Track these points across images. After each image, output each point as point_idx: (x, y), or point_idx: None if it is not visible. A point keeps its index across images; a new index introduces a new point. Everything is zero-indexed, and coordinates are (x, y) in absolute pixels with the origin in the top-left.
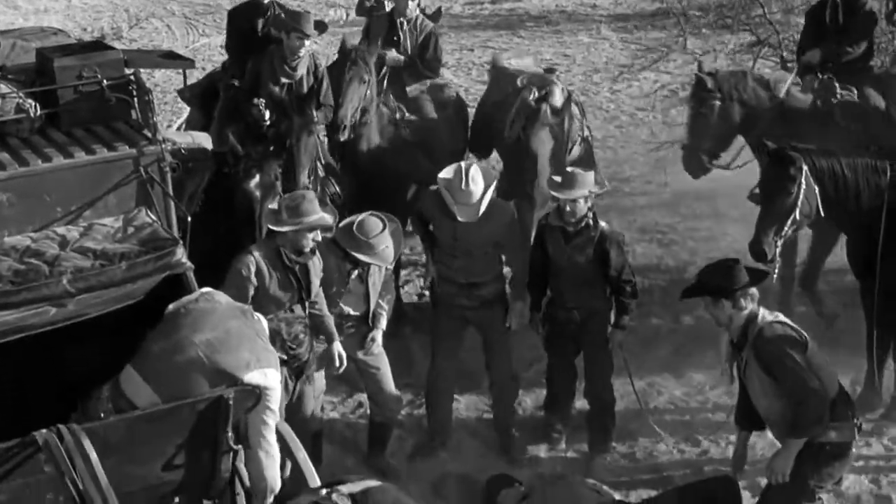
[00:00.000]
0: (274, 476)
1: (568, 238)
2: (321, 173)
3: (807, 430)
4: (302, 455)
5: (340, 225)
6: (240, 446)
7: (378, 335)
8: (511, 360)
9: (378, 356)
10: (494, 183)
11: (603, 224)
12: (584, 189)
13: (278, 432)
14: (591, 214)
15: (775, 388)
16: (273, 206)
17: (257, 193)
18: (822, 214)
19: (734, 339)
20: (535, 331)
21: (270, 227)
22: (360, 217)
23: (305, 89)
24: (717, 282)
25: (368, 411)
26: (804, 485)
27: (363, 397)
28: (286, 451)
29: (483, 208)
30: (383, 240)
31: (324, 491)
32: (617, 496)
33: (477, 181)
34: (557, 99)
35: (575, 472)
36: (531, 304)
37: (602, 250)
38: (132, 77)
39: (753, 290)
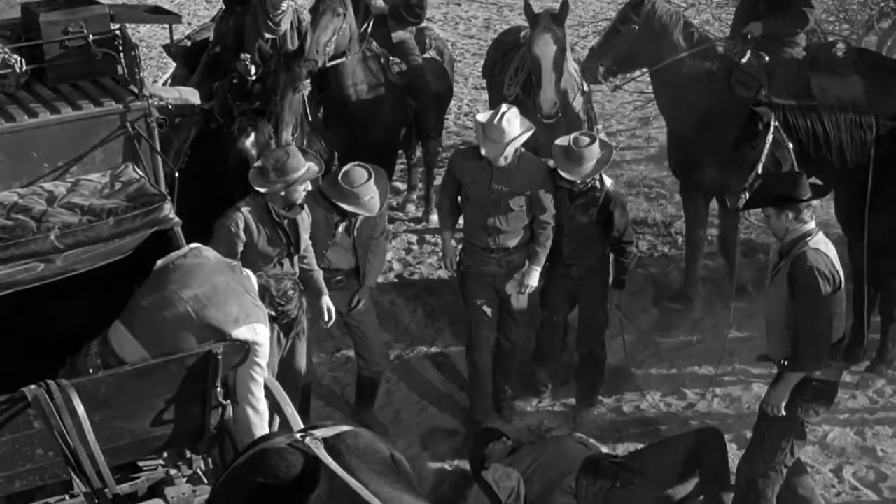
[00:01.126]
0: (262, 431)
1: (573, 197)
2: (307, 128)
3: (803, 367)
4: (290, 410)
5: (326, 176)
6: (228, 401)
7: (365, 295)
8: (524, 328)
9: (365, 312)
10: (528, 132)
11: (608, 184)
12: (591, 163)
13: (267, 387)
14: (597, 175)
15: (788, 310)
16: (258, 165)
17: (253, 152)
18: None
19: (781, 249)
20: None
21: (259, 188)
22: (346, 167)
23: (290, 44)
24: (783, 191)
25: (356, 366)
26: (793, 418)
27: (351, 352)
28: (275, 405)
29: (510, 150)
30: (368, 189)
31: (298, 434)
32: (604, 449)
33: (512, 123)
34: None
35: (562, 426)
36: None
37: (606, 211)
38: (118, 32)
39: (815, 204)
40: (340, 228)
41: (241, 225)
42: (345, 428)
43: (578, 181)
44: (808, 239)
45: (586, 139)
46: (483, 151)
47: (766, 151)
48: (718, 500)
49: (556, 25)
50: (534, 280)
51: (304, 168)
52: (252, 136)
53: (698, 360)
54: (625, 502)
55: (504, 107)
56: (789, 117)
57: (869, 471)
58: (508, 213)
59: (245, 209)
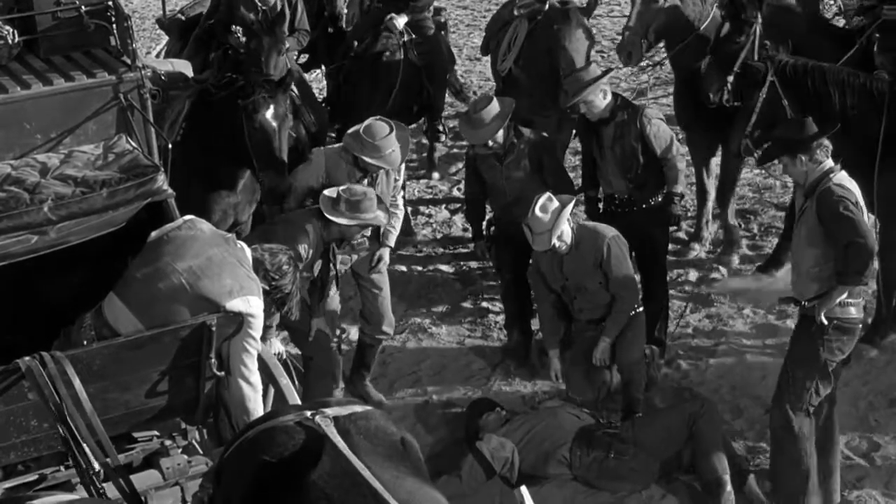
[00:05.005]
0: (255, 403)
1: (500, 158)
2: (297, 101)
3: (850, 278)
4: (285, 381)
5: (348, 132)
6: (223, 373)
7: (385, 254)
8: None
9: (381, 276)
10: (567, 209)
11: (527, 133)
12: (492, 124)
13: (261, 359)
14: (511, 133)
15: (821, 237)
16: (331, 194)
17: (274, 124)
18: None
19: (805, 192)
20: (481, 256)
21: (327, 215)
22: (368, 121)
23: None
24: (791, 136)
25: (358, 333)
26: (816, 361)
27: (343, 324)
28: (269, 377)
29: (556, 236)
30: (390, 143)
31: (308, 412)
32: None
33: (547, 209)
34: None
35: (555, 397)
36: (473, 232)
37: (537, 159)
38: (110, 3)
39: (826, 143)
40: (364, 184)
41: (310, 249)
42: (357, 408)
43: (490, 143)
44: (831, 175)
45: (483, 102)
46: (535, 248)
47: (758, 106)
48: (712, 469)
49: (586, 19)
50: (604, 353)
51: (373, 214)
52: (272, 109)
53: (692, 330)
54: (619, 472)
55: (537, 198)
56: (789, 74)
57: (862, 440)
58: (587, 293)
59: (312, 233)
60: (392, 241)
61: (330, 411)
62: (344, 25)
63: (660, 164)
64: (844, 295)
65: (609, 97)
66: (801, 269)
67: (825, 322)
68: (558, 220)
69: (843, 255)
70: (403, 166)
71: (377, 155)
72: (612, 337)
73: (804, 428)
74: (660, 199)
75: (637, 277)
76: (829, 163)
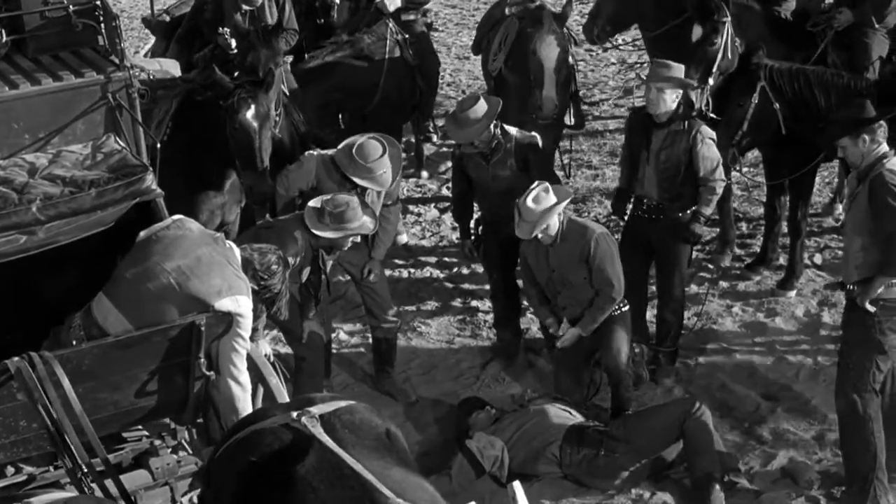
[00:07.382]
0: (245, 402)
1: (487, 158)
2: (284, 100)
3: (891, 269)
4: (274, 381)
5: (340, 146)
6: (212, 373)
7: (376, 267)
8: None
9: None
10: (559, 206)
11: (513, 132)
12: (479, 123)
13: (250, 359)
14: (497, 131)
15: (869, 224)
16: (316, 205)
17: (255, 124)
18: (783, 132)
19: (859, 175)
20: (469, 255)
21: (312, 229)
22: (361, 140)
23: (268, 16)
24: (854, 116)
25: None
26: (870, 341)
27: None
28: (258, 377)
29: (540, 227)
30: (382, 164)
31: (294, 413)
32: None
33: (540, 200)
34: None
35: (545, 395)
36: (461, 231)
37: (523, 157)
38: (98, 2)
39: (885, 125)
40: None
41: (298, 256)
42: (342, 403)
43: (476, 142)
44: (885, 161)
45: (469, 101)
46: (517, 233)
47: (751, 111)
48: (701, 467)
49: (558, 25)
50: (567, 341)
51: (359, 222)
52: (252, 109)
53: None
54: (609, 470)
55: (535, 184)
56: (776, 79)
57: None
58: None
59: (301, 241)
60: (380, 254)
61: (315, 409)
62: (335, 17)
63: (698, 182)
64: (881, 283)
65: (676, 102)
66: (848, 253)
67: (870, 307)
68: (546, 215)
69: (886, 245)
70: (400, 178)
71: (368, 176)
72: (586, 330)
73: (869, 409)
74: (687, 215)
75: (622, 277)
76: (885, 147)
